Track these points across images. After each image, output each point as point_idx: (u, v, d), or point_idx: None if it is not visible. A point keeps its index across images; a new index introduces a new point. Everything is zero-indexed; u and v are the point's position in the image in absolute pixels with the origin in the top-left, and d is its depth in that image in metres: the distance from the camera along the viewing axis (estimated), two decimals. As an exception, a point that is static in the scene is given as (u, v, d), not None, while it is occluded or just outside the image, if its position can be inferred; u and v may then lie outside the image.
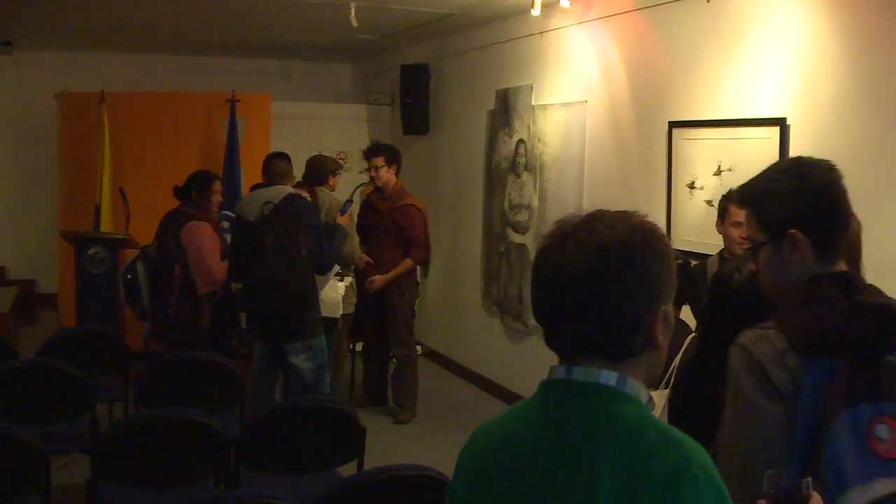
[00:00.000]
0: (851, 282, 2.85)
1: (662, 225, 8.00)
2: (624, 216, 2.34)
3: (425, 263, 10.54)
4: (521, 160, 10.61)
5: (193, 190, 8.77)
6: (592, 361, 2.29)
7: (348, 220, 9.24)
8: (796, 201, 2.88)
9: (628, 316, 2.26)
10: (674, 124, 8.11)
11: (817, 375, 2.42)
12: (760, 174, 3.04)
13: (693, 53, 7.96)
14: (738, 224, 6.18)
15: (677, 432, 2.23)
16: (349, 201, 9.47)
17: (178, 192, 8.83)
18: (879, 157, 6.32)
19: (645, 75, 8.64)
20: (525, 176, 10.54)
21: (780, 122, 7.01)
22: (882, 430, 2.62)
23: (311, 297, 7.94)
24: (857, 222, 5.50)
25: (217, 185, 8.96)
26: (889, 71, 6.26)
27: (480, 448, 2.42)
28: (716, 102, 7.71)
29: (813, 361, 2.41)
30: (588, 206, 9.30)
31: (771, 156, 7.00)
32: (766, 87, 7.20)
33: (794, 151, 6.90)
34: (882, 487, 2.62)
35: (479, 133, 11.66)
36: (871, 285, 2.91)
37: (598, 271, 2.23)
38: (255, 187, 8.36)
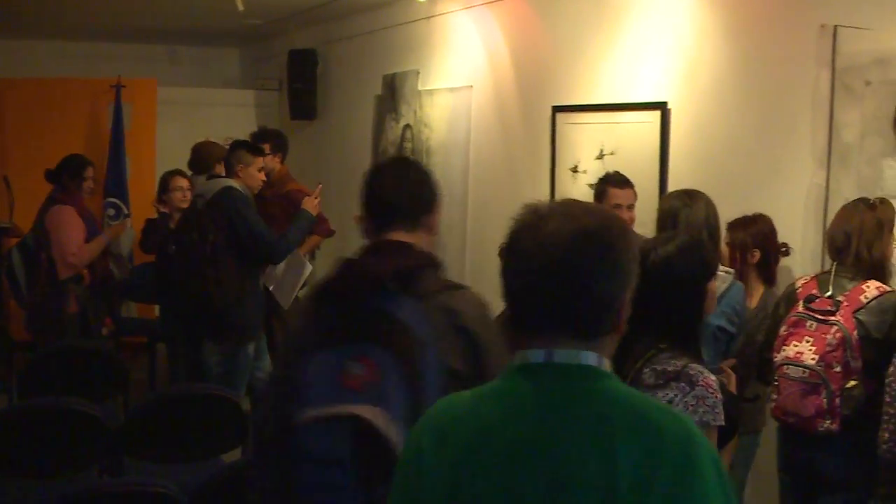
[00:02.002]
0: (378, 246, 3.46)
1: (546, 209, 8.07)
2: (595, 206, 2.52)
3: (332, 234, 10.30)
4: (408, 145, 10.61)
5: (65, 174, 8.67)
6: (566, 342, 2.34)
7: (319, 206, 8.52)
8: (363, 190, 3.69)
9: (603, 297, 2.34)
10: (557, 109, 8.17)
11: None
12: None
13: (576, 38, 8.03)
14: (618, 206, 6.29)
15: (661, 403, 2.47)
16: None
17: (50, 176, 8.72)
18: (758, 141, 6.46)
19: (529, 60, 8.69)
20: (412, 161, 10.50)
21: (662, 107, 7.12)
22: (356, 367, 3.02)
23: (221, 302, 7.46)
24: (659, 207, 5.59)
25: (89, 171, 8.86)
26: (769, 56, 6.40)
27: (454, 443, 2.35)
28: (598, 87, 7.79)
29: None
30: (474, 190, 9.46)
31: (652, 139, 7.12)
32: (648, 72, 7.30)
33: (674, 135, 7.04)
34: (336, 409, 3.00)
35: (366, 118, 11.64)
36: (399, 246, 3.44)
37: (579, 252, 2.31)
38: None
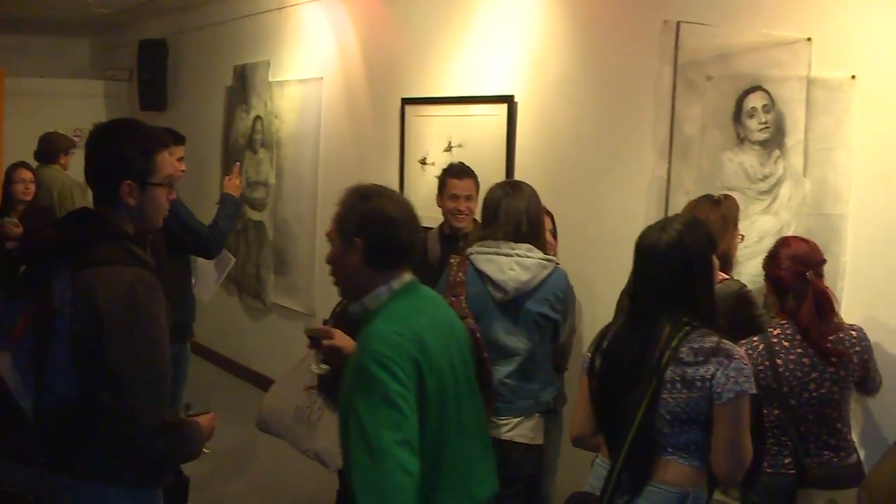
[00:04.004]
0: (76, 215, 3.77)
1: (395, 200, 8.09)
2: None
3: None
4: (258, 137, 10.57)
5: None
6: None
7: (240, 186, 7.98)
8: None
9: None
10: (406, 101, 8.22)
11: None
12: None
13: (426, 32, 8.08)
14: (455, 196, 6.38)
15: None
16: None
17: None
18: (602, 134, 6.59)
19: (379, 52, 8.72)
20: (262, 153, 10.50)
21: (508, 100, 7.20)
22: (18, 319, 3.52)
23: (167, 300, 6.93)
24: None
25: None
26: (613, 51, 6.54)
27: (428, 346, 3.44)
28: (447, 80, 7.85)
29: None
30: (323, 181, 9.44)
31: (499, 132, 7.19)
32: (496, 66, 7.37)
33: (520, 128, 7.13)
34: None
35: (216, 109, 11.56)
36: (85, 216, 3.72)
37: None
38: None
